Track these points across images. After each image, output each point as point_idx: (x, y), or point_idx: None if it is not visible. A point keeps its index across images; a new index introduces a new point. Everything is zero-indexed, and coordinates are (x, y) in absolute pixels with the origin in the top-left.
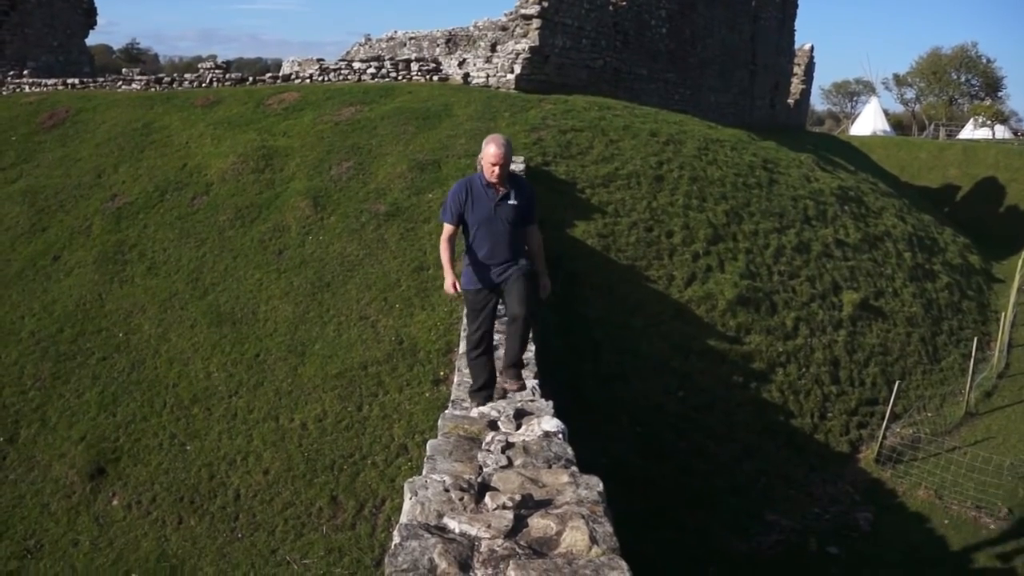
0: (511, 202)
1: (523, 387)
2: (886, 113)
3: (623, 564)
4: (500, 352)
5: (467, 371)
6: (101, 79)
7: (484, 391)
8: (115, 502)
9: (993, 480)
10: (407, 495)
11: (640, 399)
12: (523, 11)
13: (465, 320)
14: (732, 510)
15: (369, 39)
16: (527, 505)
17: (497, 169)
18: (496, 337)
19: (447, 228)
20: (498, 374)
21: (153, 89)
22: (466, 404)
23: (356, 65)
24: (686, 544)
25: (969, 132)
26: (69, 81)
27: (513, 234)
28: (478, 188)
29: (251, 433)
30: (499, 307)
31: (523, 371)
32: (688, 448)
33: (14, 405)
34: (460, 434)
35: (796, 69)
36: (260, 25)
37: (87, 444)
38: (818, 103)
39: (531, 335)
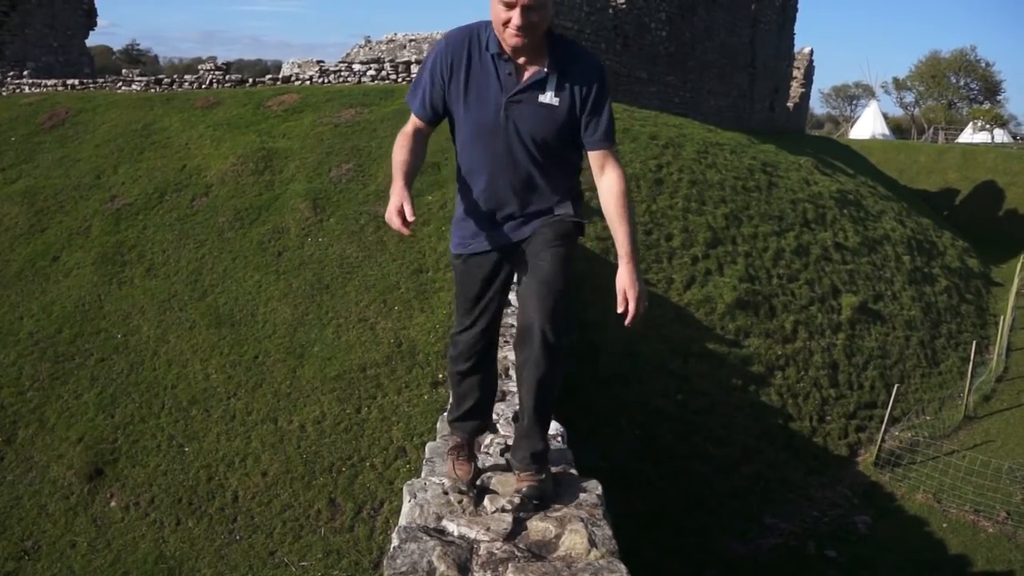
0: (545, 99)
1: (541, 493)
2: (885, 117)
3: (622, 567)
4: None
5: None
6: (101, 80)
7: (471, 420)
8: (113, 503)
9: (992, 484)
10: (406, 497)
11: (639, 402)
12: None
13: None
14: (731, 513)
15: (369, 41)
16: (526, 508)
17: (518, 15)
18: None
19: (409, 121)
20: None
21: (153, 90)
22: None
23: (356, 67)
24: (685, 547)
25: (968, 136)
26: (69, 82)
27: (543, 166)
28: (481, 58)
29: (249, 435)
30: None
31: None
32: (687, 451)
33: (12, 406)
34: None
35: (795, 72)
36: (262, 27)
37: (85, 445)
38: (817, 107)
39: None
